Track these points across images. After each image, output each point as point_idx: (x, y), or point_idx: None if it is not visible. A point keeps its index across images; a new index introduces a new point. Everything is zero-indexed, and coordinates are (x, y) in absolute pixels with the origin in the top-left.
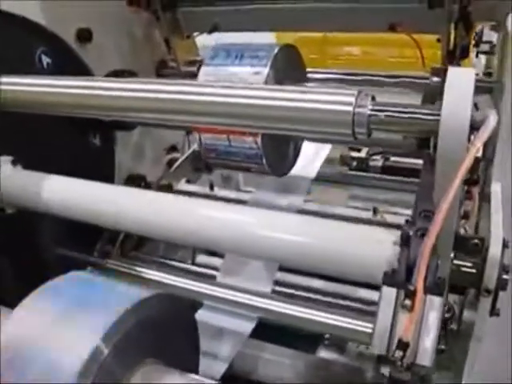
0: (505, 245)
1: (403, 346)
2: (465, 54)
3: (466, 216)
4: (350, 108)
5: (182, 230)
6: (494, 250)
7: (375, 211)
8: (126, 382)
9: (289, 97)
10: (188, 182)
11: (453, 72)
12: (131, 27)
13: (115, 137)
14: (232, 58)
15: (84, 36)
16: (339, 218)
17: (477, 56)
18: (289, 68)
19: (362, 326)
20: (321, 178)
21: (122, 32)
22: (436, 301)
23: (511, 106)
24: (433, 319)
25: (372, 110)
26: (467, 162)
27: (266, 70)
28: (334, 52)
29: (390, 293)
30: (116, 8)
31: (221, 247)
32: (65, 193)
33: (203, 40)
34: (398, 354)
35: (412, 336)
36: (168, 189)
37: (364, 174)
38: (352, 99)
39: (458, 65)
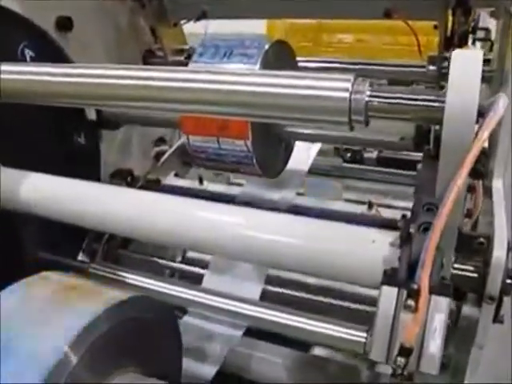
0: (510, 247)
1: (406, 351)
2: (463, 40)
3: (468, 214)
4: (346, 94)
5: (165, 231)
6: (499, 253)
7: (370, 205)
8: None
9: (282, 83)
10: (176, 175)
11: (458, 54)
12: (115, 15)
13: (100, 135)
14: (221, 55)
15: (64, 24)
16: (333, 212)
17: (473, 43)
18: (280, 65)
19: (357, 335)
20: (314, 171)
21: (106, 20)
22: (442, 302)
23: None
24: (439, 322)
25: (370, 96)
26: (475, 151)
27: (255, 68)
28: (328, 39)
29: (390, 293)
30: None
31: (208, 249)
32: (45, 192)
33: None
34: (400, 361)
35: (416, 341)
36: (156, 183)
37: (358, 166)
38: (348, 85)
39: None
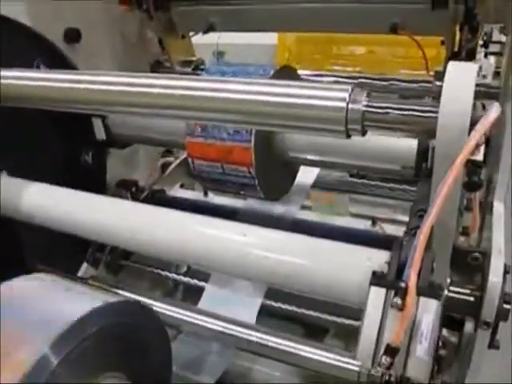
0: (506, 271)
1: (392, 351)
2: (470, 56)
3: (466, 232)
4: (343, 104)
5: (165, 246)
6: (494, 279)
7: (374, 222)
8: None
9: (281, 92)
10: (182, 186)
11: (453, 66)
12: (123, 27)
13: (107, 154)
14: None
15: (72, 36)
16: (335, 228)
17: (485, 56)
18: None
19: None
20: (319, 185)
21: (114, 32)
22: (431, 303)
23: None
24: (427, 324)
25: (367, 105)
26: (462, 156)
27: None
28: (339, 51)
29: (378, 294)
30: (107, 7)
31: (205, 266)
32: (47, 202)
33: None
34: (386, 360)
35: (403, 342)
36: (160, 194)
37: (364, 180)
38: (345, 95)
39: None
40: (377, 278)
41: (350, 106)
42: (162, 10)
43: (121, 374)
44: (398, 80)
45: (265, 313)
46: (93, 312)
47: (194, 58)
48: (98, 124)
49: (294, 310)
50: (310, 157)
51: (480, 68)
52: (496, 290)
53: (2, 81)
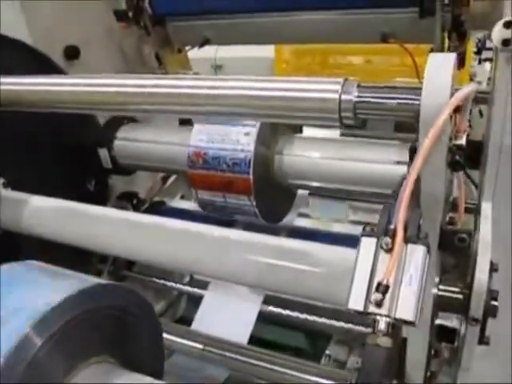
0: (494, 269)
1: (382, 288)
2: (459, 63)
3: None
4: (336, 95)
5: (165, 255)
6: (481, 275)
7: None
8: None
9: (280, 87)
10: (183, 197)
11: (433, 56)
12: (122, 43)
13: (108, 183)
14: None
15: (71, 53)
16: (331, 235)
17: (479, 63)
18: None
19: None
20: (319, 191)
21: (112, 48)
22: (419, 249)
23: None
24: (415, 269)
25: (358, 96)
26: (436, 127)
27: (254, 131)
28: (337, 61)
29: (369, 244)
30: (105, 24)
31: (206, 273)
32: (49, 214)
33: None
34: (376, 296)
35: (392, 283)
36: (160, 206)
37: None
38: (338, 87)
39: None
40: (368, 231)
41: (343, 96)
42: (159, 25)
43: (109, 358)
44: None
45: (268, 320)
46: (79, 294)
47: (190, 72)
48: (104, 154)
49: (298, 316)
50: (308, 183)
51: (474, 75)
52: (482, 287)
53: (16, 87)
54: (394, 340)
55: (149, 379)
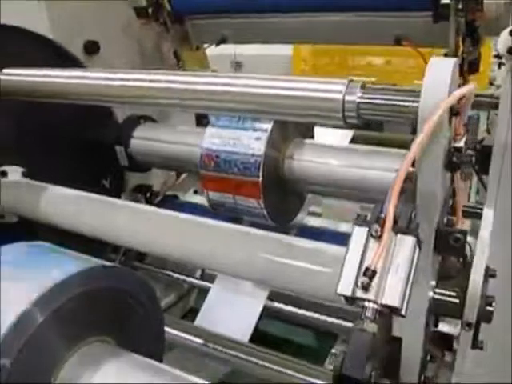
0: (490, 274)
1: (370, 273)
2: (473, 69)
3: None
4: (339, 96)
5: (174, 248)
6: (476, 280)
7: None
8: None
9: (288, 86)
10: (196, 192)
11: (433, 61)
12: (141, 39)
13: (124, 180)
14: (236, 119)
15: (91, 48)
16: (339, 234)
17: (499, 67)
18: (292, 125)
19: None
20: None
21: (132, 44)
22: (408, 239)
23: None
24: (403, 259)
25: (361, 97)
26: (437, 115)
27: (265, 136)
28: (356, 62)
29: (360, 232)
30: (125, 20)
31: (212, 267)
32: (64, 205)
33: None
34: (364, 280)
35: (380, 270)
36: (173, 199)
37: None
38: (342, 87)
39: (465, 80)
40: (360, 221)
41: (346, 97)
42: (178, 23)
43: (109, 339)
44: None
45: (275, 316)
46: (81, 273)
47: (209, 70)
48: (121, 151)
49: (305, 314)
50: (318, 188)
51: (494, 79)
52: (476, 291)
53: (40, 79)
54: (384, 332)
55: (147, 360)
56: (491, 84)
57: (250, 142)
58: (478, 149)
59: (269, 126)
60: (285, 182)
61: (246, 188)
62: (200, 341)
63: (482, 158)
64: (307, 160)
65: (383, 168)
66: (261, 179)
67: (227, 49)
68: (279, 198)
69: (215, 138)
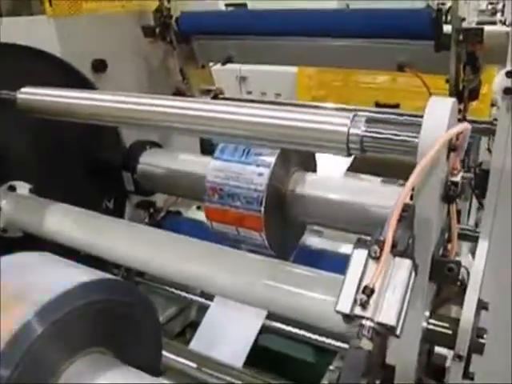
0: (482, 306)
1: (368, 291)
2: (473, 96)
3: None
4: (345, 129)
5: (174, 271)
6: (467, 313)
7: None
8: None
9: (295, 117)
10: (199, 208)
11: (432, 100)
12: (148, 57)
13: (126, 201)
14: (239, 153)
15: (99, 66)
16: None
17: None
18: (295, 158)
19: None
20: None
21: (139, 62)
22: (404, 262)
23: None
24: (400, 280)
25: (365, 131)
26: (434, 149)
27: (267, 172)
28: (359, 79)
29: (360, 255)
30: (132, 39)
31: (211, 290)
32: (67, 222)
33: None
34: (362, 297)
35: (378, 290)
36: (176, 216)
37: None
38: (347, 121)
39: (466, 107)
40: (360, 243)
41: (351, 130)
42: (184, 42)
43: (107, 350)
44: (406, 114)
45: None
46: (81, 286)
47: (214, 87)
48: (127, 176)
49: (304, 334)
50: (320, 221)
51: (496, 102)
52: (468, 325)
53: (50, 98)
54: (379, 356)
55: (143, 374)
56: (493, 105)
57: (252, 176)
58: (477, 172)
59: (272, 160)
60: (286, 215)
61: (248, 221)
62: (193, 365)
63: (481, 181)
64: (309, 194)
65: (384, 205)
66: (263, 213)
67: (232, 64)
68: (281, 229)
69: (220, 172)
